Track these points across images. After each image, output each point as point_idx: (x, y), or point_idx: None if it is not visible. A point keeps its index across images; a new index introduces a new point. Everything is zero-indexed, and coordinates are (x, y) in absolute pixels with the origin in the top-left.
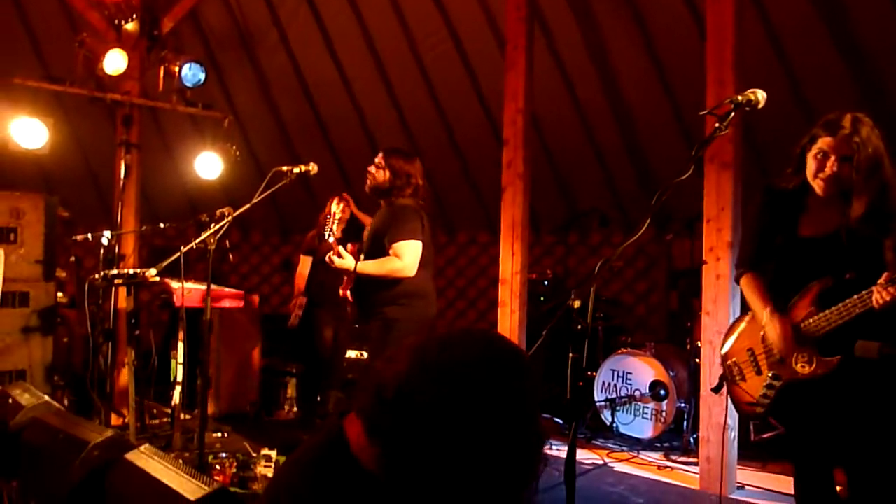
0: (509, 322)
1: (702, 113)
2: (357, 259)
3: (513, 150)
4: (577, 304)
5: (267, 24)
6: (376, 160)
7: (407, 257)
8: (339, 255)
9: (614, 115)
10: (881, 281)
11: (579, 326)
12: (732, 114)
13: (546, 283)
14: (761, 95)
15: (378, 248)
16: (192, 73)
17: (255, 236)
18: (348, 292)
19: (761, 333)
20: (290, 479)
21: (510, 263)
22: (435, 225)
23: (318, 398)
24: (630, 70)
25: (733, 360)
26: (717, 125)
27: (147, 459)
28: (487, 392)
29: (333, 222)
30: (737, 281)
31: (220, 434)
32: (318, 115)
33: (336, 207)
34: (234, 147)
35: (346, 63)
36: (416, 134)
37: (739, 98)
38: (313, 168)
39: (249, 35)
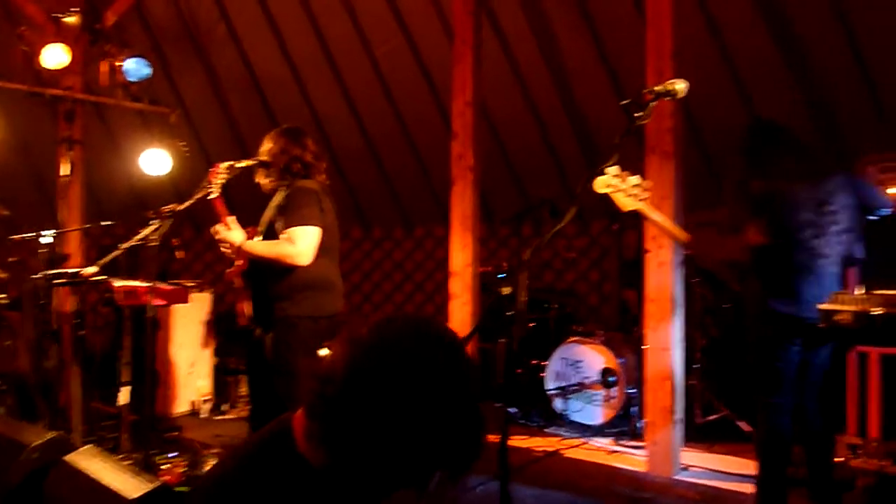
0: (461, 314)
1: (622, 103)
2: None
3: (462, 143)
4: (506, 290)
5: (214, 18)
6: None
7: (301, 243)
8: (227, 226)
9: (564, 107)
10: None
11: (510, 313)
12: (652, 104)
13: (501, 275)
14: (680, 86)
15: (273, 235)
16: (136, 68)
17: (208, 234)
18: (237, 277)
19: None
20: (229, 470)
21: (461, 256)
22: (393, 219)
23: None
24: (578, 62)
25: None
26: (637, 115)
27: (87, 460)
28: (421, 371)
29: (222, 175)
30: None
31: (169, 434)
32: (269, 109)
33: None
34: (183, 143)
35: (296, 57)
36: (369, 128)
37: (658, 88)
38: (257, 161)
39: (197, 29)
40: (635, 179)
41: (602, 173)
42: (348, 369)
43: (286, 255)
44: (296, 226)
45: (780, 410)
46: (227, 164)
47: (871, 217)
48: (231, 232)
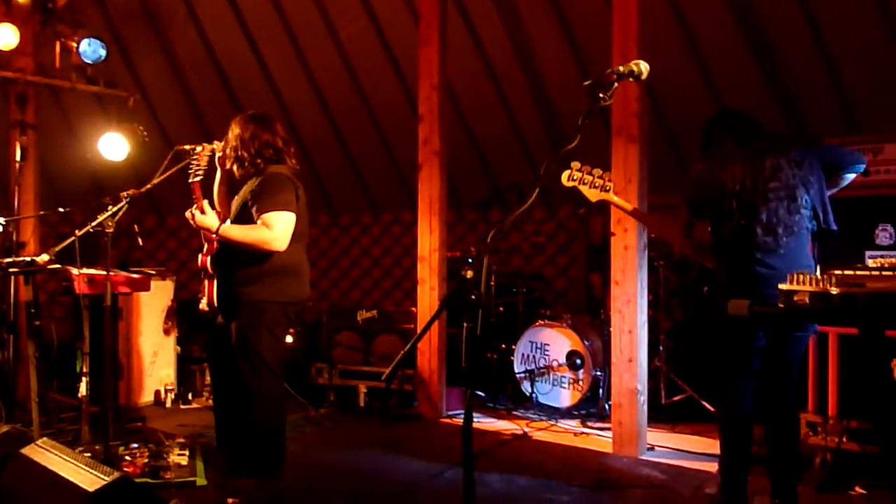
0: (429, 299)
1: (585, 83)
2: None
3: (428, 127)
4: (469, 274)
5: None
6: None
7: (277, 228)
8: (202, 211)
9: (531, 90)
10: None
11: (472, 296)
12: (615, 84)
13: (470, 259)
14: (644, 67)
15: (246, 220)
16: (91, 49)
17: (172, 220)
18: (209, 260)
19: None
20: None
21: (428, 241)
22: (360, 205)
23: None
24: (546, 46)
25: None
26: (600, 95)
27: (44, 453)
28: None
29: (202, 159)
30: None
31: (132, 425)
32: (230, 92)
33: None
34: (141, 127)
35: (258, 38)
36: (334, 112)
37: (621, 69)
38: (218, 146)
39: (156, 9)
40: (599, 171)
41: (565, 156)
42: None
43: (262, 240)
44: (271, 211)
45: (744, 393)
46: (211, 145)
47: (850, 174)
48: (206, 217)
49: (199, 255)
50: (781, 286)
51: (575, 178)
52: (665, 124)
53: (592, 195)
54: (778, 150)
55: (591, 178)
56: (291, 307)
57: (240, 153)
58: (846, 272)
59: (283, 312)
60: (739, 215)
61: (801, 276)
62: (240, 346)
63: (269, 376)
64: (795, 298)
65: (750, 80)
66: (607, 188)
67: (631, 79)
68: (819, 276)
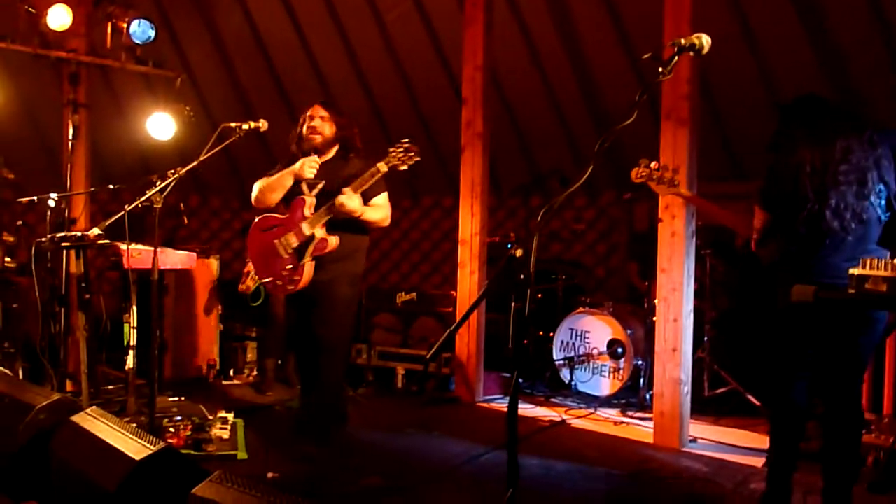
0: (469, 283)
1: (644, 57)
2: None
3: (472, 109)
4: (518, 252)
5: None
6: (320, 114)
7: (388, 209)
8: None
9: (575, 74)
10: None
11: (521, 276)
12: (676, 58)
13: (510, 245)
14: (706, 40)
15: (330, 199)
16: (141, 30)
17: (215, 201)
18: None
19: None
20: None
21: (469, 224)
22: (401, 189)
23: (279, 362)
24: (591, 27)
25: None
26: (660, 69)
27: (93, 421)
28: None
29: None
30: None
31: (176, 398)
32: (275, 74)
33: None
34: (188, 107)
35: (303, 21)
36: (376, 95)
37: (682, 41)
38: (263, 125)
39: None
40: (668, 166)
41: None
42: None
43: (384, 218)
44: (383, 193)
45: (801, 385)
46: (257, 123)
47: None
48: (352, 201)
49: (326, 241)
50: (852, 271)
51: (643, 174)
52: (715, 110)
53: (662, 190)
54: (849, 131)
55: (658, 173)
56: (360, 279)
57: (340, 135)
58: None
59: (360, 284)
60: (813, 200)
61: (875, 261)
62: (329, 307)
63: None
64: (867, 285)
65: (805, 63)
66: (676, 182)
67: (692, 52)
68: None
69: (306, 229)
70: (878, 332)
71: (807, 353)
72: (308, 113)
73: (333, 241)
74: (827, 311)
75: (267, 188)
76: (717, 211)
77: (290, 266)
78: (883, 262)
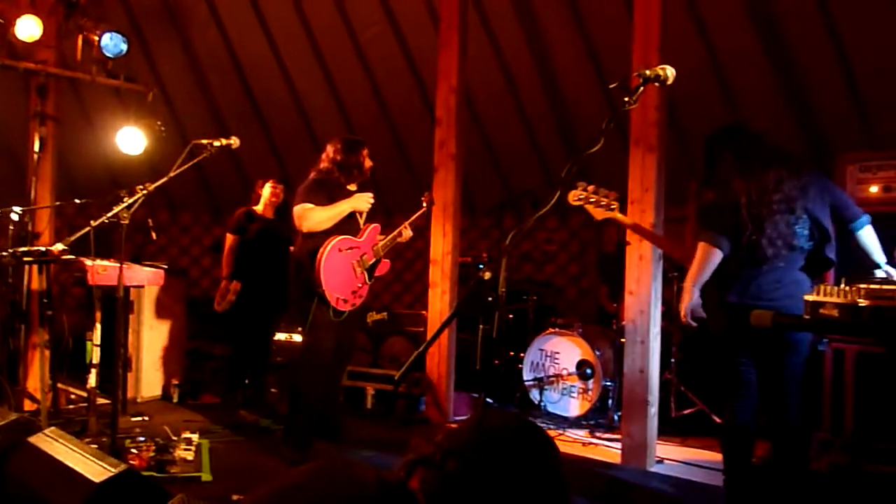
0: (440, 303)
1: (612, 86)
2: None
3: (446, 130)
4: (487, 275)
5: None
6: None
7: None
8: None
9: (547, 96)
10: None
11: (490, 298)
12: (641, 88)
13: (481, 266)
14: (670, 72)
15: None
16: (113, 43)
17: (185, 217)
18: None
19: None
20: None
21: (441, 244)
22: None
23: (247, 381)
24: (564, 52)
25: None
26: (625, 99)
27: (51, 443)
28: (526, 457)
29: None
30: None
31: (139, 418)
32: (249, 91)
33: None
34: (159, 122)
35: (278, 38)
36: (351, 114)
37: (648, 72)
38: (235, 142)
39: (177, 7)
40: (604, 191)
41: (586, 160)
42: (468, 449)
43: None
44: None
45: (742, 406)
46: (229, 140)
47: (850, 229)
48: (409, 231)
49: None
50: (807, 297)
51: (581, 197)
52: (682, 136)
53: (598, 214)
54: (780, 163)
55: (596, 196)
56: None
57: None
58: (872, 286)
59: None
60: (751, 230)
61: (829, 288)
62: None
63: None
64: (822, 311)
65: (769, 91)
66: (612, 207)
67: (656, 83)
68: (847, 289)
69: (379, 252)
70: (803, 353)
71: (742, 375)
72: (366, 152)
73: (388, 263)
74: (753, 335)
75: (328, 220)
76: (654, 237)
77: (360, 284)
78: (836, 288)
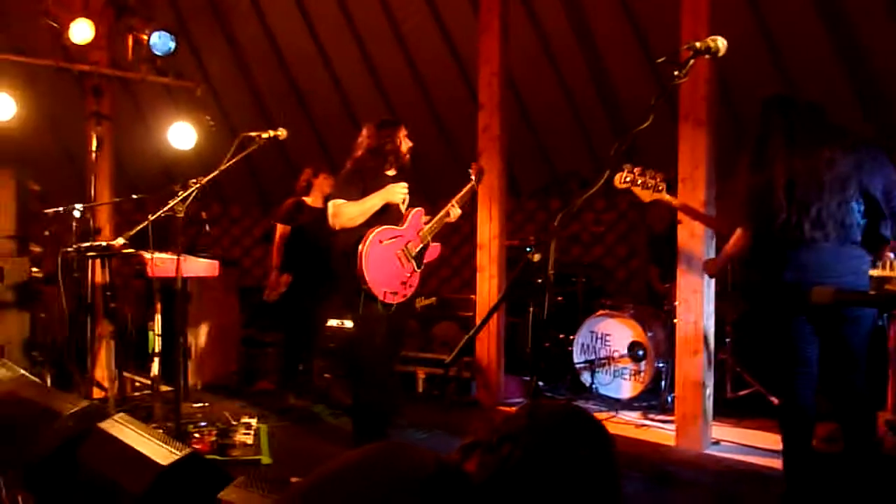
0: (488, 286)
1: (660, 60)
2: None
3: (488, 114)
4: (536, 257)
5: None
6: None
7: None
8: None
9: (592, 76)
10: None
11: (539, 280)
12: (691, 61)
13: (528, 249)
14: (721, 43)
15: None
16: (161, 42)
17: (235, 209)
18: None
19: None
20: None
21: (488, 228)
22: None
23: (301, 367)
24: (608, 30)
25: None
26: (675, 72)
27: (120, 428)
28: (576, 442)
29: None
30: None
31: (200, 404)
32: (293, 82)
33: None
34: (209, 117)
35: (321, 31)
36: (393, 100)
37: (698, 44)
38: (282, 133)
39: (221, 3)
40: (651, 172)
41: (635, 138)
42: (525, 438)
43: None
44: None
45: (801, 382)
46: (276, 132)
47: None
48: (457, 210)
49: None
50: (872, 272)
51: (627, 179)
52: (733, 110)
53: (645, 195)
54: (833, 141)
55: (643, 178)
56: None
57: None
58: None
59: None
60: (789, 211)
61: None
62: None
63: None
64: (888, 286)
65: (825, 63)
66: (659, 188)
67: (707, 55)
68: None
69: (426, 237)
70: (865, 326)
71: (799, 349)
72: (402, 133)
73: (438, 247)
74: (813, 312)
75: (360, 215)
76: (703, 217)
77: (409, 273)
78: None
